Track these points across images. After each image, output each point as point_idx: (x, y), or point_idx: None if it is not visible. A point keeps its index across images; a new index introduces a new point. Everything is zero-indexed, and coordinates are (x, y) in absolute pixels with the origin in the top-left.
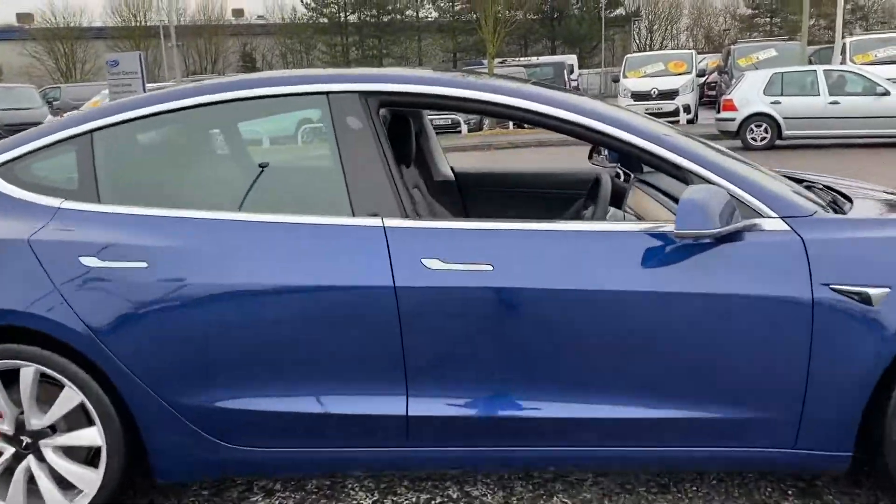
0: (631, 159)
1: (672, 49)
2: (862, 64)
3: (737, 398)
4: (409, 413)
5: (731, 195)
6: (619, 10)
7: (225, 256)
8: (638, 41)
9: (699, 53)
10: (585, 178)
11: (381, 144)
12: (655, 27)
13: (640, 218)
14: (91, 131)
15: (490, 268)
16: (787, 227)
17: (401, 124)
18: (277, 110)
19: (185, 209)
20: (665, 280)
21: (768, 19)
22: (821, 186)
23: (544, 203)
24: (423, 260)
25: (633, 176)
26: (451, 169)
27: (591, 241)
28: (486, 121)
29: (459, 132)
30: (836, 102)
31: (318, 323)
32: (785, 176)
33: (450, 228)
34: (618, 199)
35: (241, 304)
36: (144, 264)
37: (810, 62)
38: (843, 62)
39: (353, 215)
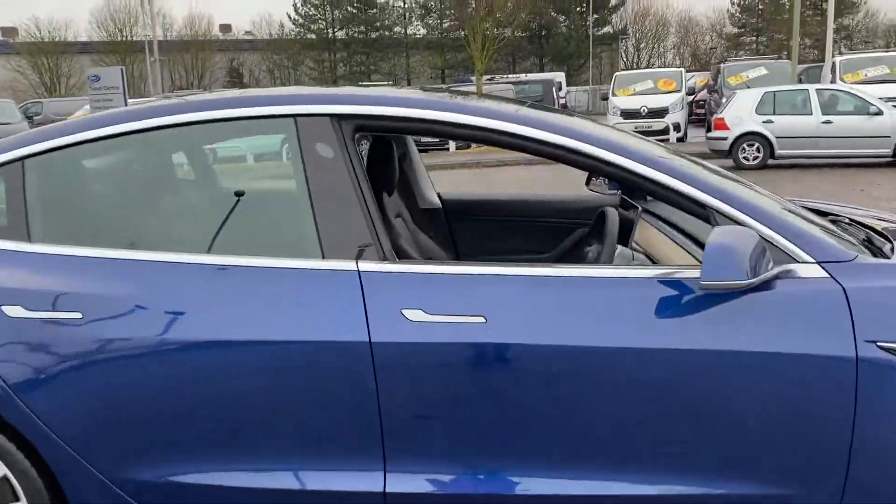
0: (631, 188)
1: (659, 67)
2: (852, 83)
3: (768, 472)
4: (387, 489)
5: (761, 237)
6: (607, 29)
7: (173, 306)
8: (625, 59)
9: (686, 72)
10: (584, 206)
11: (357, 175)
12: (642, 45)
13: (648, 256)
14: (22, 158)
15: (482, 321)
16: (826, 275)
17: (382, 148)
18: (239, 135)
19: (128, 250)
20: (685, 336)
21: (754, 38)
22: (847, 220)
23: (541, 233)
24: (403, 311)
25: (639, 207)
26: (438, 195)
27: (601, 289)
28: None
29: (447, 149)
30: (828, 122)
31: (282, 384)
32: (806, 209)
33: (435, 273)
34: (622, 231)
35: (193, 363)
36: (79, 315)
37: (800, 81)
38: (832, 81)
39: (324, 257)
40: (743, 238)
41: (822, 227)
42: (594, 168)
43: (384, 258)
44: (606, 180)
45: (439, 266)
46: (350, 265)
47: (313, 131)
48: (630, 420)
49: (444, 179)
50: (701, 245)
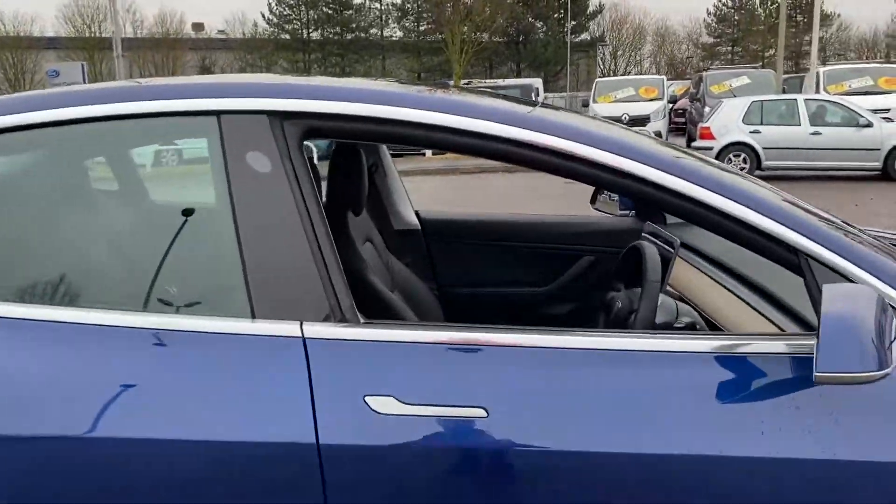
0: (648, 208)
1: (636, 75)
2: (835, 94)
3: None
4: None
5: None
6: (584, 35)
7: (32, 386)
8: (602, 66)
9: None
10: (591, 229)
11: (304, 197)
12: (619, 53)
13: (685, 302)
14: None
15: (483, 414)
16: None
17: (347, 157)
18: (143, 139)
19: None
20: (778, 440)
21: (730, 48)
22: None
23: (539, 261)
24: (367, 398)
25: (676, 241)
26: (417, 214)
27: (655, 368)
28: None
29: (423, 154)
30: (817, 133)
31: (188, 498)
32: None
33: (416, 343)
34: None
35: (59, 468)
36: None
37: (783, 91)
38: (816, 92)
39: (253, 318)
40: (864, 303)
41: None
42: (653, 198)
43: (341, 319)
44: (616, 198)
45: (422, 331)
46: (291, 329)
47: (244, 135)
48: None
49: (418, 187)
50: (765, 294)
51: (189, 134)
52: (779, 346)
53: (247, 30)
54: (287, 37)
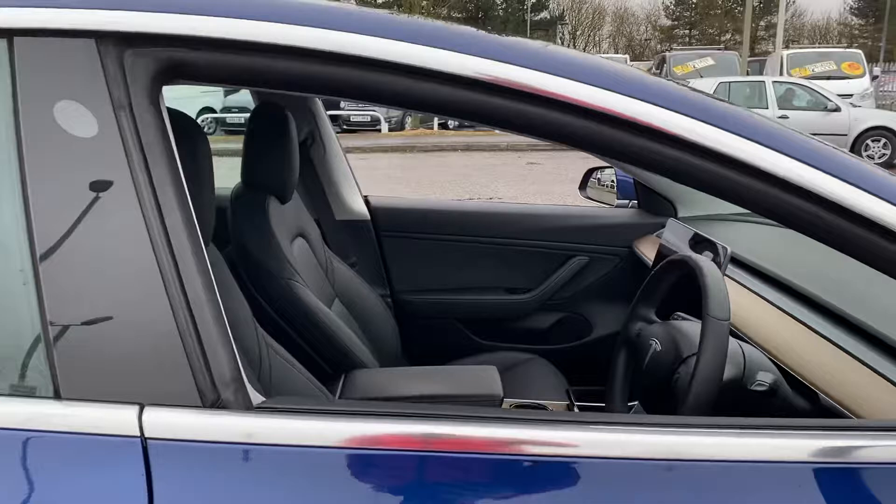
0: (652, 199)
1: (596, 54)
2: (799, 78)
3: None
4: None
5: None
6: (544, 14)
7: None
8: (562, 46)
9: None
10: (585, 223)
11: (154, 186)
12: (579, 33)
13: (743, 339)
14: None
15: None
16: None
17: (269, 122)
18: None
19: None
20: None
21: (687, 31)
22: None
23: (520, 261)
24: None
25: (726, 248)
26: (366, 201)
27: (740, 488)
28: (409, 118)
29: (378, 130)
30: (784, 117)
31: None
32: None
33: (348, 449)
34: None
35: None
36: None
37: (746, 74)
38: (780, 75)
39: (58, 397)
40: None
41: None
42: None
43: (215, 401)
44: (612, 184)
45: (359, 421)
46: (122, 419)
47: (50, 72)
48: None
49: (372, 165)
50: (870, 338)
51: None
52: None
53: None
54: None
